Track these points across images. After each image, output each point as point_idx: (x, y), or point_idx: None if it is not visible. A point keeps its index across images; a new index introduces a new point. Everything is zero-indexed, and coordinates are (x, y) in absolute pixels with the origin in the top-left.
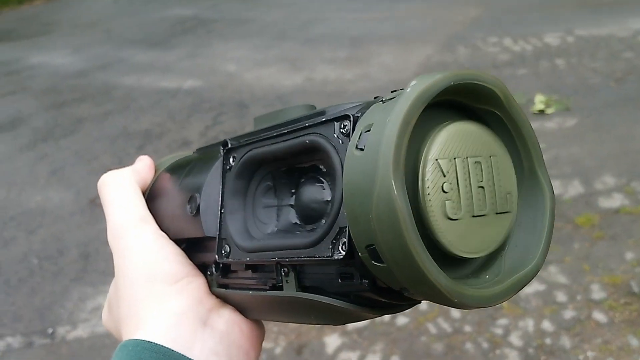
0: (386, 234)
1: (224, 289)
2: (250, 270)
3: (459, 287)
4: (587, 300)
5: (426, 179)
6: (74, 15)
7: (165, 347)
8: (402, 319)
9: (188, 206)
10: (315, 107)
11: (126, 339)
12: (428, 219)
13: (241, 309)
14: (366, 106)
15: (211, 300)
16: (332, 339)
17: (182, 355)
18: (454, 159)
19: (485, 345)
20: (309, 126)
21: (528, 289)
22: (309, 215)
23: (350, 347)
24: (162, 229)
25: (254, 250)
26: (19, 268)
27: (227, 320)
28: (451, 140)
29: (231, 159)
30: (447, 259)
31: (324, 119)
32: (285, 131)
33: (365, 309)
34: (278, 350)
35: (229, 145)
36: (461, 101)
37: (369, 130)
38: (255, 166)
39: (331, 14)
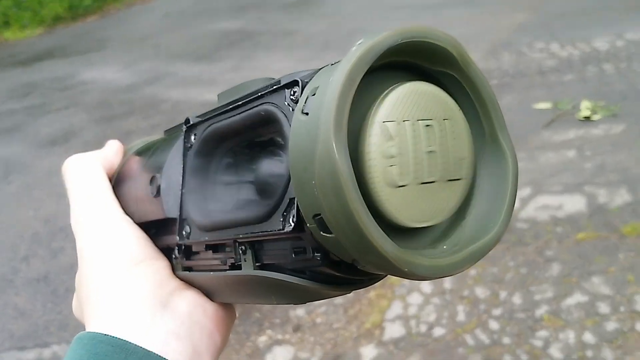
0: (329, 200)
1: (187, 272)
2: (211, 251)
3: (409, 256)
4: (631, 311)
5: (369, 142)
6: (126, 30)
7: (121, 339)
8: (439, 330)
9: (150, 187)
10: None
11: (87, 324)
12: (369, 185)
13: (206, 292)
14: (318, 71)
15: (173, 283)
16: (368, 350)
17: (138, 346)
18: (403, 121)
19: (524, 357)
20: (262, 95)
21: (570, 300)
22: (267, 190)
23: (387, 359)
24: (127, 213)
25: (211, 228)
26: (66, 278)
27: (190, 302)
28: (401, 102)
29: (192, 137)
30: (399, 231)
31: (275, 87)
32: (241, 103)
33: (323, 285)
34: None
35: (191, 122)
36: (417, 63)
37: (315, 94)
38: (214, 142)
39: (376, 23)
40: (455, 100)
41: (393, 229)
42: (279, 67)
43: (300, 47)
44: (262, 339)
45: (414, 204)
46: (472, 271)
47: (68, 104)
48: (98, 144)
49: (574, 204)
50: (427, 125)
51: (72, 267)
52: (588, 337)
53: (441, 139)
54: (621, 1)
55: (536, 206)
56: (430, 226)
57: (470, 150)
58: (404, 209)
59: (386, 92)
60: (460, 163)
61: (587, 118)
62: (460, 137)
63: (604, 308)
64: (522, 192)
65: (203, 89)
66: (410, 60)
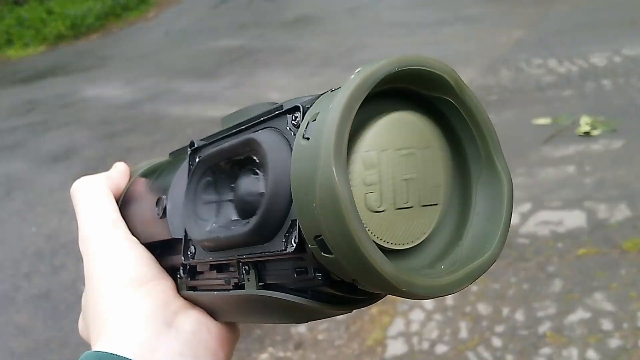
0: (330, 222)
1: (192, 292)
2: (215, 271)
3: (407, 276)
4: (634, 328)
5: (350, 170)
6: (128, 48)
7: (127, 358)
8: (441, 347)
9: (156, 208)
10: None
11: (93, 344)
12: None
13: (210, 311)
14: (319, 97)
15: (178, 303)
16: None
17: None
18: (382, 151)
19: None
20: (264, 120)
21: (572, 317)
22: (246, 209)
23: None
24: (134, 234)
25: (215, 249)
26: (67, 295)
27: (194, 321)
28: (382, 133)
29: (197, 159)
30: (398, 252)
31: (277, 112)
32: (244, 127)
33: (325, 304)
34: None
35: (195, 146)
36: (414, 89)
37: (315, 120)
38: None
39: (374, 40)
40: (452, 125)
41: (392, 250)
42: (279, 84)
43: (299, 64)
44: (264, 357)
45: (391, 227)
46: (474, 287)
47: (69, 120)
48: (99, 161)
49: (574, 219)
50: (406, 155)
51: (74, 284)
52: (591, 354)
53: (418, 167)
54: (617, 18)
55: (536, 222)
56: (429, 246)
57: (445, 178)
58: (382, 232)
59: (371, 122)
60: (436, 190)
61: (587, 133)
62: (437, 165)
63: (607, 325)
64: (522, 208)
65: (204, 106)
66: (408, 87)
